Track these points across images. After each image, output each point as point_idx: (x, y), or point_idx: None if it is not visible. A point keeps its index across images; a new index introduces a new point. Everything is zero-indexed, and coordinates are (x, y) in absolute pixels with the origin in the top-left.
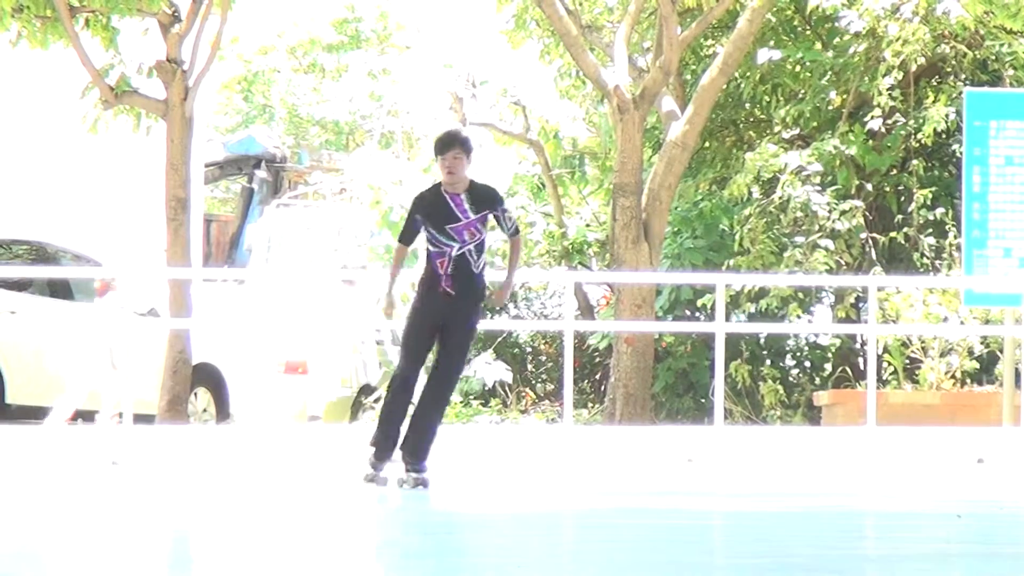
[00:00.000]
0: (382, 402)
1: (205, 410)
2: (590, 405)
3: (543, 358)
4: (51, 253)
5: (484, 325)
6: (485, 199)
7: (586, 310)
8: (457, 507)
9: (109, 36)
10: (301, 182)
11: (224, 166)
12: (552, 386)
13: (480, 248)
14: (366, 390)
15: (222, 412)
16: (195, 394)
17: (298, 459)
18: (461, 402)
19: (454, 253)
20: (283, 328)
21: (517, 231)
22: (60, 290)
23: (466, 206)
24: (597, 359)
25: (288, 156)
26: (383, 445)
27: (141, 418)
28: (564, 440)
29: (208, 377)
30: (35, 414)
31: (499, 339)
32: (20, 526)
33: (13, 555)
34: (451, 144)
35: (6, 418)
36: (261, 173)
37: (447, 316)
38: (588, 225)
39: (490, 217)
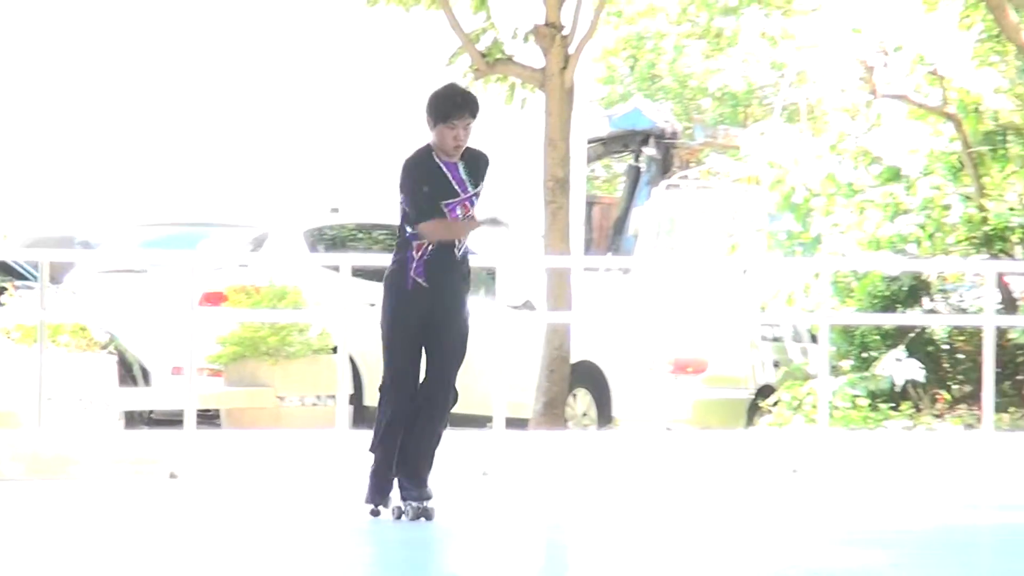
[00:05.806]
0: (377, 428)
1: (585, 414)
2: (1012, 409)
3: (960, 356)
4: None
5: (897, 319)
6: (481, 167)
7: (1009, 303)
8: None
9: None
10: (694, 161)
11: (608, 142)
12: (970, 387)
13: None
14: (764, 391)
15: (604, 416)
16: (574, 395)
17: (692, 466)
18: (868, 405)
19: None
20: (673, 322)
21: None
22: None
23: (463, 177)
24: (1020, 357)
25: (679, 132)
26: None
27: (513, 422)
28: (983, 448)
29: (589, 377)
30: None
31: (912, 334)
32: None
33: None
34: (466, 107)
35: (365, 421)
36: (649, 150)
37: (428, 316)
38: (1012, 209)
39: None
